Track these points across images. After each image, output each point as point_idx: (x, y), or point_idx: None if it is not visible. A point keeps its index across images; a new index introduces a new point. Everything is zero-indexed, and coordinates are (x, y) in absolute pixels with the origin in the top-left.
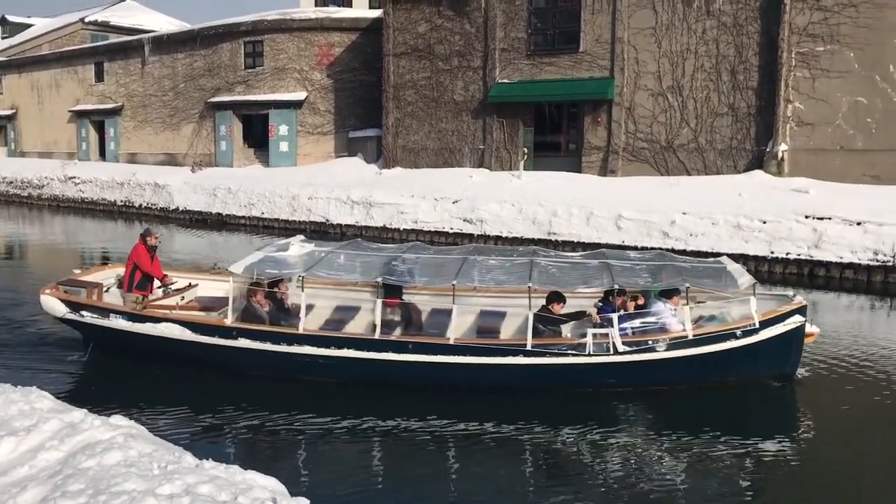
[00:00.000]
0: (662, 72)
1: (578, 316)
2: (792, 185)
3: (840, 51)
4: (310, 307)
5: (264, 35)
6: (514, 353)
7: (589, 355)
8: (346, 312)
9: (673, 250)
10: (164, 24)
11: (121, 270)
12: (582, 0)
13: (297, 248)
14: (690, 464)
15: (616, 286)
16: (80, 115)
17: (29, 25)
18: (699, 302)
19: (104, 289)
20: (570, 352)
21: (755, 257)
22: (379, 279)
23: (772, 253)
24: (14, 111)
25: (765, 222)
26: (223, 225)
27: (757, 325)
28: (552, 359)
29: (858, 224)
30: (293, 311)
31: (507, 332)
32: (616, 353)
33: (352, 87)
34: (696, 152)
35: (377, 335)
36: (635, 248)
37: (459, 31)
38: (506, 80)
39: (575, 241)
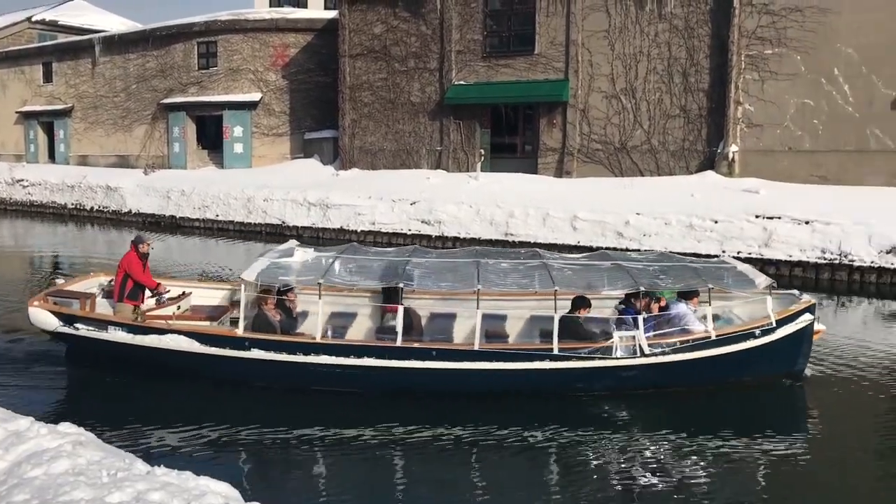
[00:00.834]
0: (616, 74)
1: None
2: (742, 185)
3: (787, 54)
4: (305, 314)
5: (218, 35)
6: (541, 358)
7: (616, 358)
8: (345, 319)
9: (627, 250)
10: (115, 23)
11: (105, 279)
12: (537, 3)
13: (302, 254)
14: (704, 464)
15: (642, 288)
16: (27, 117)
17: None
18: (702, 302)
19: None
20: (596, 355)
21: (707, 256)
22: (401, 284)
23: (723, 252)
24: None
25: (716, 222)
26: (177, 227)
27: (774, 325)
28: (579, 363)
29: (807, 223)
30: (301, 319)
31: (512, 335)
32: (643, 355)
33: (307, 88)
34: (650, 153)
35: (399, 342)
36: (590, 249)
37: (415, 32)
38: (462, 82)
39: (532, 241)
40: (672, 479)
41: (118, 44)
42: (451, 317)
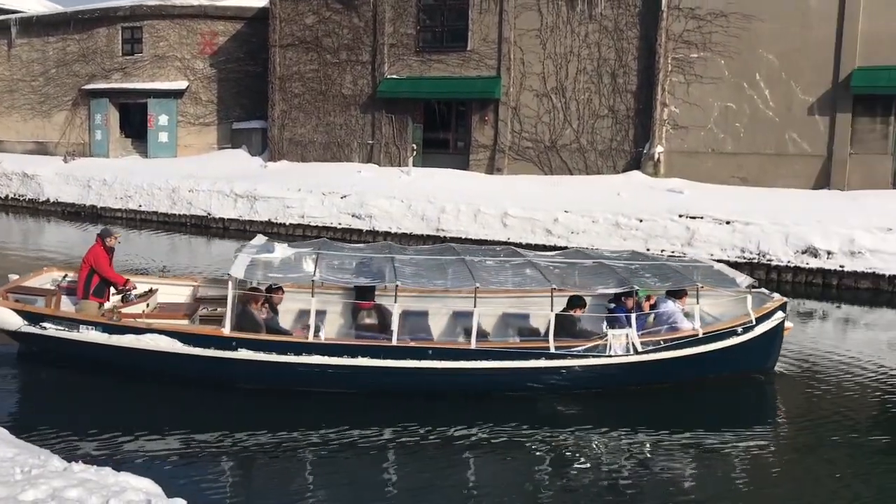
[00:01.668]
0: (547, 73)
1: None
2: (667, 185)
3: (712, 58)
4: (289, 313)
5: (143, 21)
6: (537, 357)
7: (609, 356)
8: (318, 317)
9: (556, 247)
10: (33, 4)
11: (58, 275)
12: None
13: (283, 249)
14: (677, 460)
15: (636, 287)
16: None
17: None
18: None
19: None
20: (591, 353)
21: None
22: (398, 282)
23: (648, 249)
24: None
25: (642, 221)
26: (98, 218)
27: (754, 322)
28: (574, 360)
29: (727, 223)
30: (287, 318)
31: (487, 332)
32: (636, 352)
33: (236, 78)
34: (578, 153)
35: (395, 342)
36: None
37: (348, 24)
38: (395, 76)
39: (463, 237)
40: (646, 476)
41: (37, 26)
42: (424, 314)
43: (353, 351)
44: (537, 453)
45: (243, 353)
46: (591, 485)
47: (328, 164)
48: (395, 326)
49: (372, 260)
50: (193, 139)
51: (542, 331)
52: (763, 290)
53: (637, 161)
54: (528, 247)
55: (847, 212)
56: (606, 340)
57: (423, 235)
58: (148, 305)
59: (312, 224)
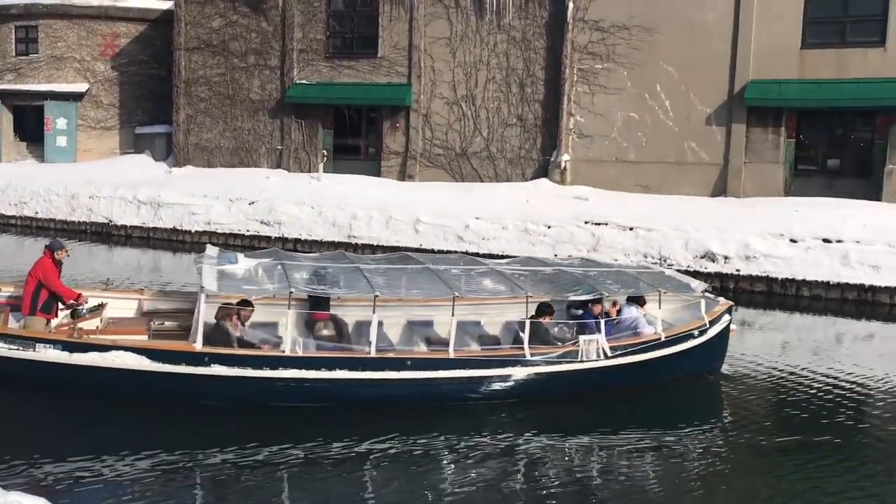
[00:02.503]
0: (457, 81)
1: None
2: (573, 192)
3: (615, 69)
4: (257, 326)
5: (39, 20)
6: (513, 364)
7: (582, 362)
8: (271, 329)
9: (468, 253)
10: None
11: None
12: (380, 6)
13: (245, 260)
14: (635, 462)
15: (605, 294)
16: None
17: None
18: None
19: None
20: (564, 359)
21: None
22: (377, 293)
23: (556, 255)
24: None
25: (549, 227)
26: None
27: (707, 325)
28: (549, 367)
29: (630, 229)
30: (257, 331)
31: (442, 340)
32: (606, 357)
33: (139, 81)
34: (488, 160)
35: (373, 353)
36: (432, 252)
37: (256, 28)
38: (304, 81)
39: (375, 244)
40: (602, 479)
41: None
42: (378, 324)
43: (331, 364)
44: (485, 461)
45: (216, 369)
46: (544, 489)
47: (236, 169)
48: (373, 338)
49: (340, 270)
50: (94, 144)
51: (507, 339)
52: (710, 295)
53: (545, 169)
54: (441, 253)
55: (742, 218)
56: (579, 346)
57: (334, 242)
58: (101, 321)
59: (219, 231)
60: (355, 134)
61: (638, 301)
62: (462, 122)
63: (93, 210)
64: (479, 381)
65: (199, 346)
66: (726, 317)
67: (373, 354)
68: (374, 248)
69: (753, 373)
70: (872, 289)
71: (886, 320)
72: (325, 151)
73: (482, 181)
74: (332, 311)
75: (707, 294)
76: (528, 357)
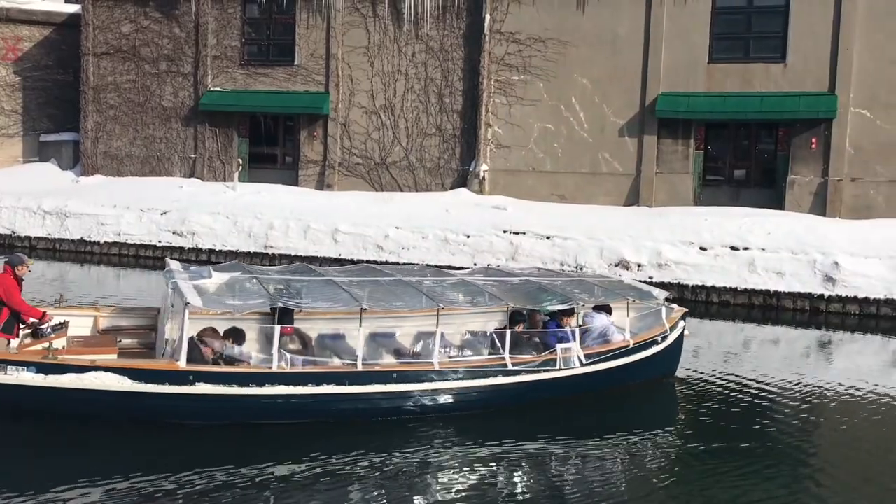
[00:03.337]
0: (375, 90)
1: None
2: (492, 202)
3: (532, 81)
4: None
5: None
6: (495, 374)
7: (559, 369)
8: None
9: (387, 263)
10: None
11: None
12: (296, 14)
13: (218, 275)
14: (597, 466)
15: (578, 303)
16: None
17: None
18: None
19: None
20: (543, 368)
21: (460, 268)
22: (365, 306)
23: (475, 264)
24: None
25: (469, 236)
26: None
27: (668, 332)
28: (529, 376)
29: (548, 238)
30: (237, 349)
31: (414, 351)
32: (581, 364)
33: (44, 87)
34: (408, 170)
35: (360, 367)
36: (351, 262)
37: (168, 34)
38: (218, 89)
39: (293, 254)
40: (566, 483)
41: None
42: (340, 337)
43: (319, 378)
44: (445, 471)
45: (202, 388)
46: (509, 495)
47: (147, 178)
48: (360, 351)
49: (315, 283)
50: None
51: (487, 349)
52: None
53: (463, 179)
54: (360, 262)
55: (654, 227)
56: (556, 355)
57: (249, 253)
58: (66, 340)
59: (129, 242)
60: (272, 142)
61: (605, 309)
62: (381, 132)
63: None
64: (463, 392)
65: (182, 364)
66: (682, 323)
67: (360, 368)
68: (291, 259)
69: (692, 377)
70: (777, 294)
71: (790, 324)
72: (240, 160)
73: (401, 191)
74: (314, 325)
75: (667, 302)
76: (510, 367)
